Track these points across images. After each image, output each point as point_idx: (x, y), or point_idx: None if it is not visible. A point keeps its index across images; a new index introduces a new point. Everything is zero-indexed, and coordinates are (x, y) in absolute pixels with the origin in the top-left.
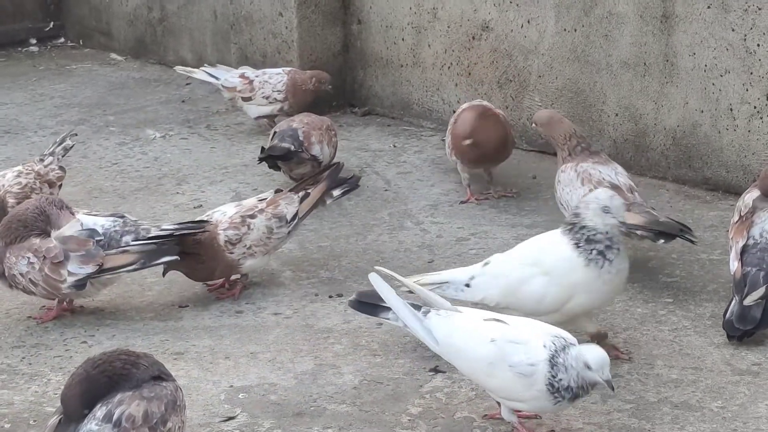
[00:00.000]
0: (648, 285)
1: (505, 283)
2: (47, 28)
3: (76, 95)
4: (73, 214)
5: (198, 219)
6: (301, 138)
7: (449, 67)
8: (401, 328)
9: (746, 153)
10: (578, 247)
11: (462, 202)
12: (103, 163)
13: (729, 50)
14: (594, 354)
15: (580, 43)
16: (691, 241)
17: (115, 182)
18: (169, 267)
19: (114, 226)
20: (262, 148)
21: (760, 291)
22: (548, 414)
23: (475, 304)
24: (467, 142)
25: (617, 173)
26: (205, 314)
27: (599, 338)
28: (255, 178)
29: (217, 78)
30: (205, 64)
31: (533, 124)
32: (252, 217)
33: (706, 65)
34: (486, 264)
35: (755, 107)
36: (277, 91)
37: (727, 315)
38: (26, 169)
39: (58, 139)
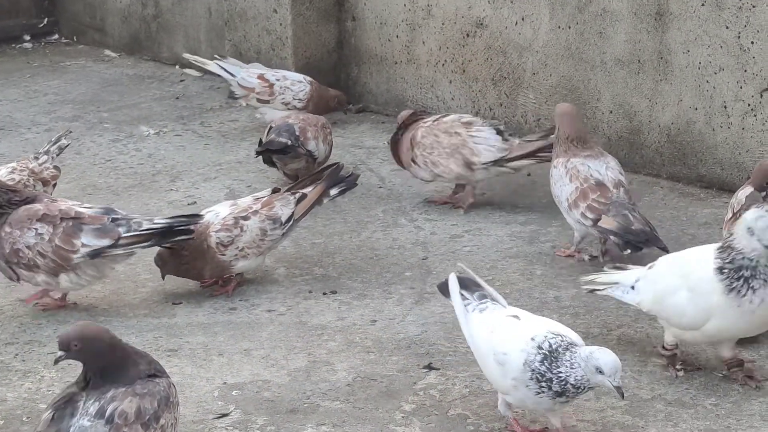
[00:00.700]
0: None
1: (655, 290)
2: (41, 25)
3: (70, 92)
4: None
5: (190, 213)
6: (297, 133)
7: (443, 65)
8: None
9: (740, 150)
10: (722, 271)
11: (431, 202)
12: (96, 160)
13: (723, 48)
14: (607, 359)
15: (574, 40)
16: (663, 249)
17: (108, 179)
18: (163, 270)
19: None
20: (260, 141)
21: None
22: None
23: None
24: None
25: (608, 168)
26: (198, 311)
27: (734, 365)
28: (249, 175)
29: (232, 74)
30: (216, 56)
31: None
32: (245, 218)
33: (700, 63)
34: (650, 267)
35: (749, 105)
36: (298, 99)
37: None
38: (20, 166)
39: (53, 138)
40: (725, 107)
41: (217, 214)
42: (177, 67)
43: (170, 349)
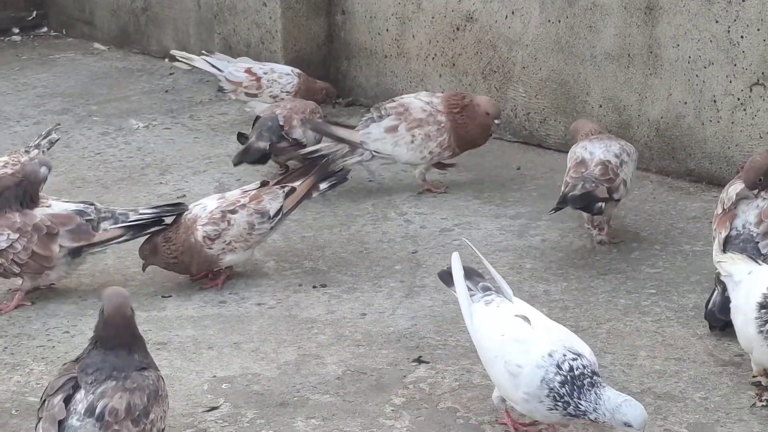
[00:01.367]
0: (631, 276)
1: (735, 296)
2: (30, 18)
3: (59, 85)
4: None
5: (175, 201)
6: (281, 123)
7: (433, 58)
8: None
9: (729, 144)
10: (762, 307)
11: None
12: (86, 153)
13: (713, 42)
14: (635, 414)
15: (564, 34)
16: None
17: (98, 172)
18: (147, 262)
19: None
20: (239, 135)
21: None
22: None
23: None
24: (498, 122)
25: (606, 149)
26: (188, 304)
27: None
28: (239, 168)
29: (219, 69)
30: (203, 52)
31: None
32: (233, 212)
33: (689, 57)
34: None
35: (738, 99)
36: (286, 92)
37: (710, 306)
38: (12, 160)
39: (43, 132)
40: (715, 101)
41: (204, 208)
42: (166, 60)
43: (160, 342)
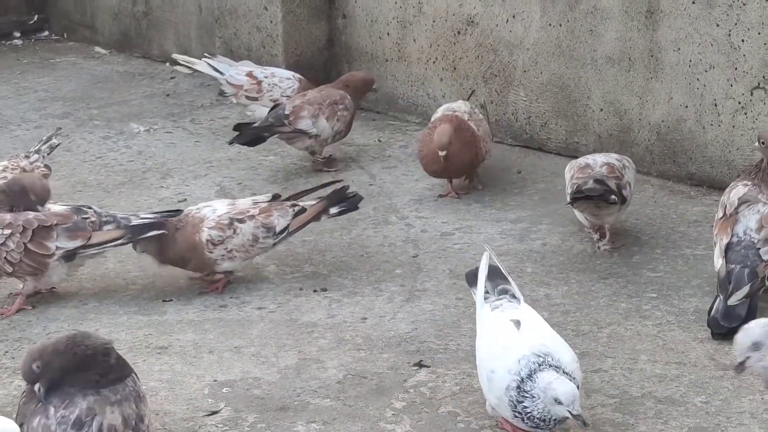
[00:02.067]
0: (632, 280)
1: None
2: (31, 21)
3: (60, 89)
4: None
5: (175, 208)
6: (287, 112)
7: (434, 62)
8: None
9: (730, 148)
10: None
11: (441, 196)
12: (87, 157)
13: (713, 46)
14: (563, 388)
15: (565, 38)
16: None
17: (99, 176)
18: (143, 249)
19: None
20: (237, 126)
21: (745, 290)
22: None
23: None
24: (442, 153)
25: (607, 156)
26: (189, 308)
27: None
28: (240, 173)
29: (221, 72)
30: (206, 54)
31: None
32: (241, 221)
33: (690, 61)
34: None
35: (739, 102)
36: (286, 96)
37: (712, 312)
38: (12, 165)
39: (44, 137)
40: (716, 105)
41: (214, 210)
42: (167, 64)
43: (160, 346)
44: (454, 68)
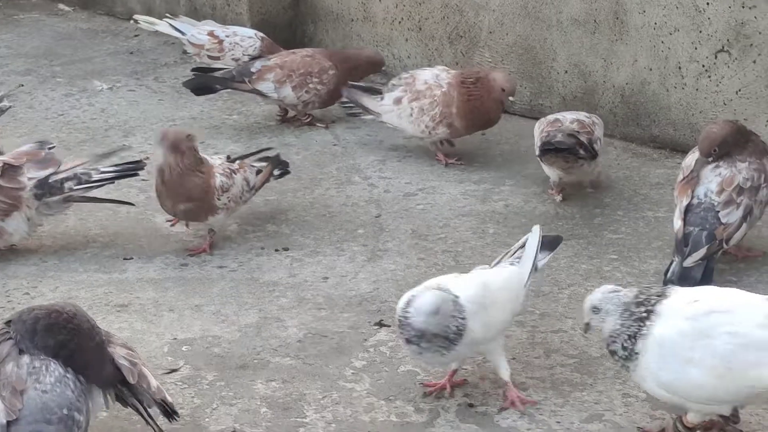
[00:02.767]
0: (593, 241)
1: None
2: None
3: (23, 45)
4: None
5: (136, 159)
6: (252, 70)
7: (400, 22)
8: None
9: (693, 111)
10: None
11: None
12: (49, 114)
13: (679, 8)
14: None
15: None
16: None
17: (61, 133)
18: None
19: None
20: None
21: (702, 252)
22: (492, 370)
23: None
24: (512, 98)
25: (577, 114)
26: (149, 267)
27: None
28: (206, 131)
29: (182, 32)
30: (167, 15)
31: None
32: (235, 172)
33: (655, 23)
34: None
35: (703, 66)
36: (248, 55)
37: (668, 275)
38: None
39: None
40: (680, 68)
41: (215, 161)
42: (131, 21)
43: (120, 304)
44: (420, 29)
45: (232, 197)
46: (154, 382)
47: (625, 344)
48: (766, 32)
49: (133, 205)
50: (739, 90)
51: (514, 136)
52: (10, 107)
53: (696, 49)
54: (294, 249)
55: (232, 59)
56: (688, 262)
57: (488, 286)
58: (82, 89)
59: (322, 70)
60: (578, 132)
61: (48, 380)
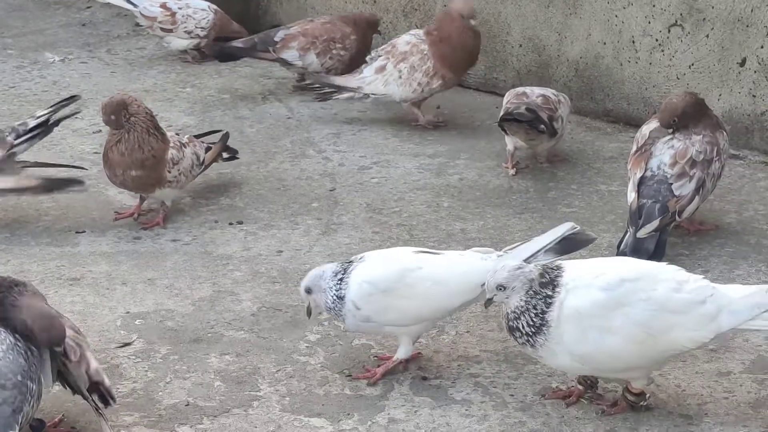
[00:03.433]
0: (547, 215)
1: None
2: None
3: None
4: None
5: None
6: (276, 39)
7: None
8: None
9: (647, 85)
10: None
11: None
12: (0, 86)
13: None
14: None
15: None
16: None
17: (12, 106)
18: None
19: None
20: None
21: (654, 223)
22: (446, 343)
23: None
24: (474, 22)
25: (545, 90)
26: (102, 240)
27: None
28: (156, 104)
29: (134, 5)
30: None
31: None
32: (185, 146)
33: None
34: None
35: (657, 40)
36: (201, 27)
37: (621, 246)
38: None
39: None
40: (633, 42)
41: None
42: None
43: (73, 278)
44: (375, 1)
45: (183, 170)
46: (94, 364)
47: (532, 320)
48: (719, 6)
49: (85, 169)
50: (692, 64)
51: (469, 110)
52: None
53: (649, 23)
54: (248, 222)
55: (185, 32)
56: (642, 233)
57: (409, 275)
58: (34, 61)
59: (344, 35)
60: (540, 107)
61: (0, 348)
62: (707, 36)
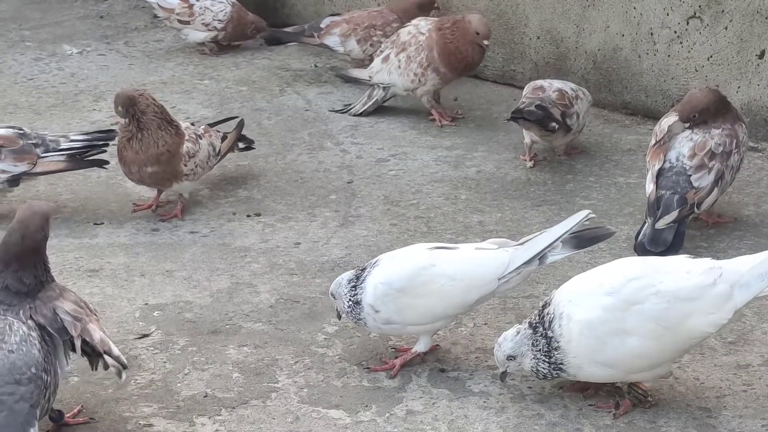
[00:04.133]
0: (565, 207)
1: None
2: None
3: None
4: None
5: (107, 129)
6: (322, 25)
7: None
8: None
9: (665, 78)
10: None
11: (440, 124)
12: (18, 79)
13: None
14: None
15: None
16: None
17: (30, 98)
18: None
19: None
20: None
21: (673, 215)
22: (464, 335)
23: None
24: (487, 42)
25: (565, 83)
26: (120, 231)
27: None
28: (174, 96)
29: None
30: None
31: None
32: (200, 137)
33: None
34: None
35: (675, 32)
36: (218, 20)
37: (639, 237)
38: None
39: None
40: (652, 34)
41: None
42: None
43: (91, 269)
44: None
45: (199, 163)
46: (97, 335)
47: (548, 364)
48: None
49: (107, 163)
50: (711, 56)
51: (486, 102)
52: None
53: (668, 15)
54: (266, 215)
55: (202, 24)
56: (660, 224)
57: (424, 273)
58: (52, 53)
59: (385, 22)
60: (554, 103)
61: (13, 340)
62: (726, 28)
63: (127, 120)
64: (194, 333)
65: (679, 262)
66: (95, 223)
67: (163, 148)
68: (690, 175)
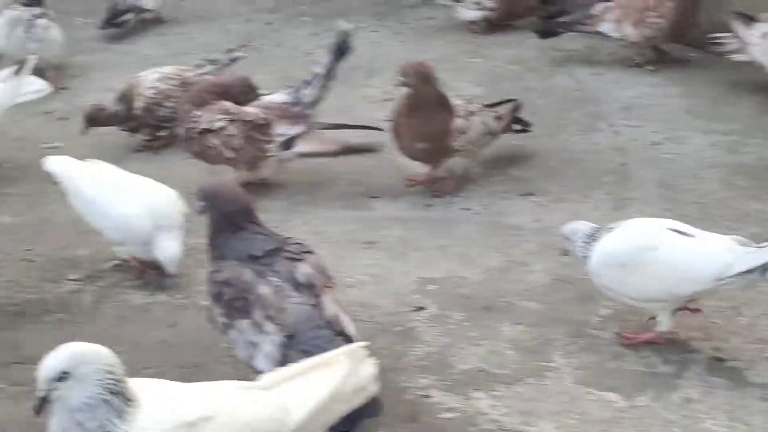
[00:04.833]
0: None
1: None
2: None
3: None
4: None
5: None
6: (594, 12)
7: None
8: None
9: None
10: None
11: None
12: (296, 53)
13: None
14: None
15: None
16: None
17: (306, 72)
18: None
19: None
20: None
21: None
22: (743, 325)
23: None
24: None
25: None
26: (395, 205)
27: None
28: (445, 74)
29: None
30: None
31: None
32: (472, 114)
33: None
34: None
35: None
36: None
37: None
38: (174, 74)
39: (228, 49)
40: None
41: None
42: None
43: (368, 241)
44: None
45: (471, 139)
46: (331, 310)
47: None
48: None
49: (381, 129)
50: None
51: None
52: (244, 57)
53: None
54: (538, 194)
55: (473, 2)
56: None
57: (644, 254)
58: (327, 29)
59: (658, 3)
60: None
61: (294, 293)
62: None
63: (411, 91)
64: (468, 308)
65: None
66: (371, 197)
67: (436, 126)
68: None
